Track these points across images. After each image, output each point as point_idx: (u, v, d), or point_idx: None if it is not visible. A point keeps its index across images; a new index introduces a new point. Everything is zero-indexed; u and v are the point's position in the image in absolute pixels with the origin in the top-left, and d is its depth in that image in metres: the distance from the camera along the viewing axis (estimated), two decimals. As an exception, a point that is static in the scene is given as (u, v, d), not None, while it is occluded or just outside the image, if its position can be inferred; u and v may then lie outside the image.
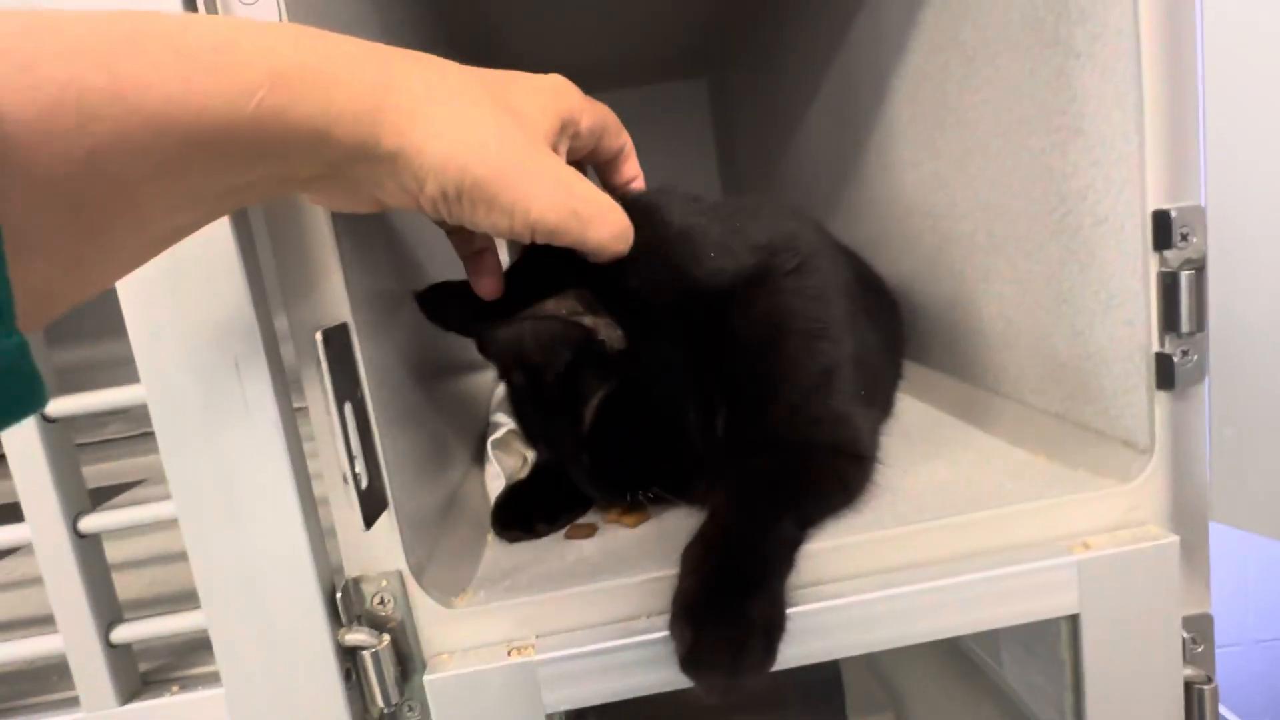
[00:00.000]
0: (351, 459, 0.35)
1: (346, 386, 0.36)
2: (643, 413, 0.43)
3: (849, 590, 0.40)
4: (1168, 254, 0.40)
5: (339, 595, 0.38)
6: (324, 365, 0.33)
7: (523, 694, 0.38)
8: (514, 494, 0.51)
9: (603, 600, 0.40)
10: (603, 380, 0.43)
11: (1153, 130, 0.39)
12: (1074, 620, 0.41)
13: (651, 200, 0.44)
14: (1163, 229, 0.39)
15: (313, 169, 0.29)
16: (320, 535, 0.38)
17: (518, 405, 0.49)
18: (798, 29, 0.88)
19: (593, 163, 0.44)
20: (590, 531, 0.48)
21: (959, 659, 0.78)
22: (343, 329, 0.36)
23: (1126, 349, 0.43)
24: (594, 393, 0.43)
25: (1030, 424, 0.52)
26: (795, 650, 0.38)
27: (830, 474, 0.44)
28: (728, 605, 0.37)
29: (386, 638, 0.38)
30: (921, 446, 0.54)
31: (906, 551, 0.41)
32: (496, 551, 0.48)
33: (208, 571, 0.36)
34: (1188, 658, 0.42)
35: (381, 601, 0.39)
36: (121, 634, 0.37)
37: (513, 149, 0.32)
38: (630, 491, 0.47)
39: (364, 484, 0.36)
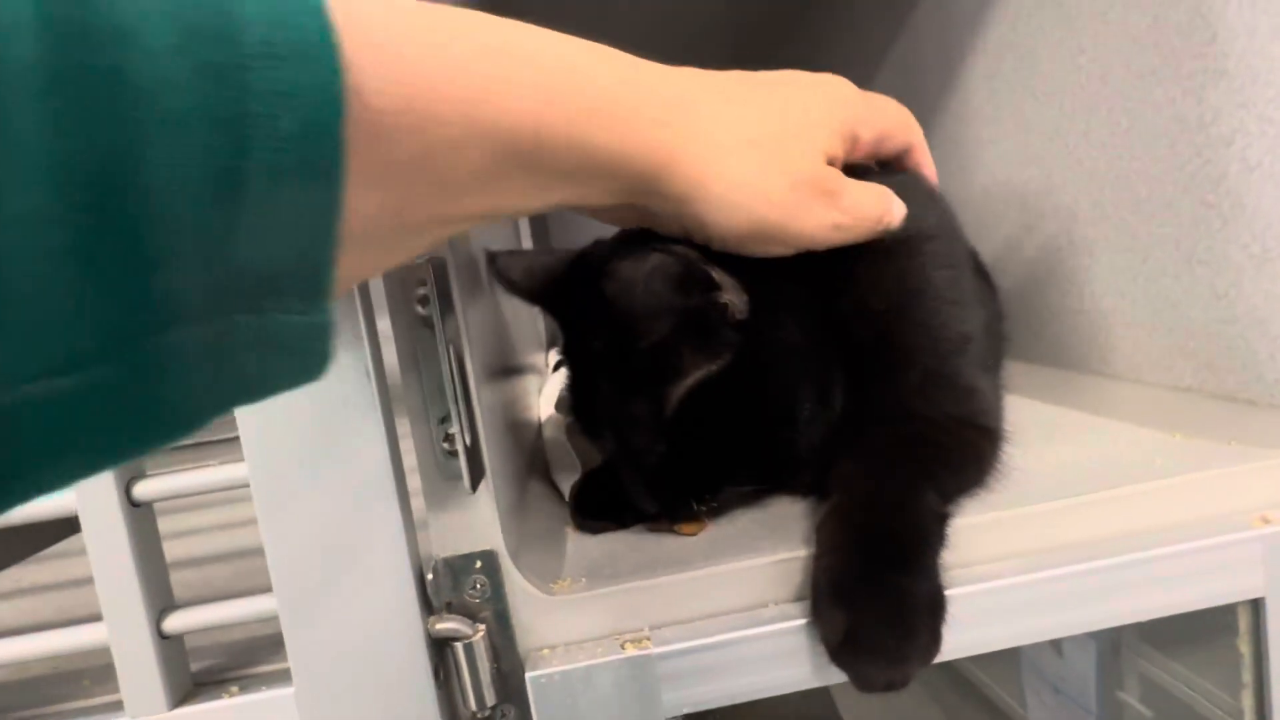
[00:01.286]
0: (458, 410, 0.30)
1: (449, 329, 0.31)
2: (751, 399, 0.38)
3: (1006, 572, 0.35)
4: (1344, 192, 0.36)
5: (428, 579, 0.33)
6: (434, 290, 0.29)
7: (639, 693, 0.33)
8: (595, 480, 0.46)
9: (723, 586, 0.35)
10: (706, 357, 0.38)
11: (1324, 57, 0.36)
12: (1257, 606, 0.36)
13: None
14: (1341, 163, 0.36)
15: (608, 198, 0.30)
16: (409, 506, 0.33)
17: (585, 382, 0.43)
18: (842, 35, 0.87)
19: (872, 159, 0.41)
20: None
21: (973, 697, 0.73)
22: (442, 265, 0.32)
23: (1289, 304, 0.39)
24: (691, 371, 0.38)
25: (1156, 402, 0.48)
26: (957, 640, 0.33)
27: (966, 447, 0.40)
28: (884, 582, 0.32)
29: (481, 628, 0.33)
30: (1033, 432, 0.49)
31: (1063, 529, 0.37)
32: (582, 542, 0.42)
33: (282, 547, 0.31)
34: (1382, 650, 0.37)
35: (474, 587, 0.34)
36: (175, 622, 0.32)
37: (797, 185, 0.33)
38: (697, 501, 0.41)
39: (468, 440, 0.31)
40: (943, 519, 0.35)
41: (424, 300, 0.32)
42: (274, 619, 0.32)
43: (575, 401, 0.43)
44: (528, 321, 0.87)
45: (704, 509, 0.41)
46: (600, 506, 0.44)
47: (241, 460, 0.31)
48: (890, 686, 0.31)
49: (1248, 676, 0.37)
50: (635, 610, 0.35)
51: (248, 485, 0.31)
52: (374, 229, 0.21)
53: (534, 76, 0.24)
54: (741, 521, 0.41)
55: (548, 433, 0.59)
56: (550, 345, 0.98)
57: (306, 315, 0.19)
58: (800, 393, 0.39)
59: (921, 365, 0.39)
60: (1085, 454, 0.44)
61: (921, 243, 0.40)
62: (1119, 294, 0.51)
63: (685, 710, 0.34)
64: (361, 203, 0.20)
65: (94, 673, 0.37)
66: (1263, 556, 0.35)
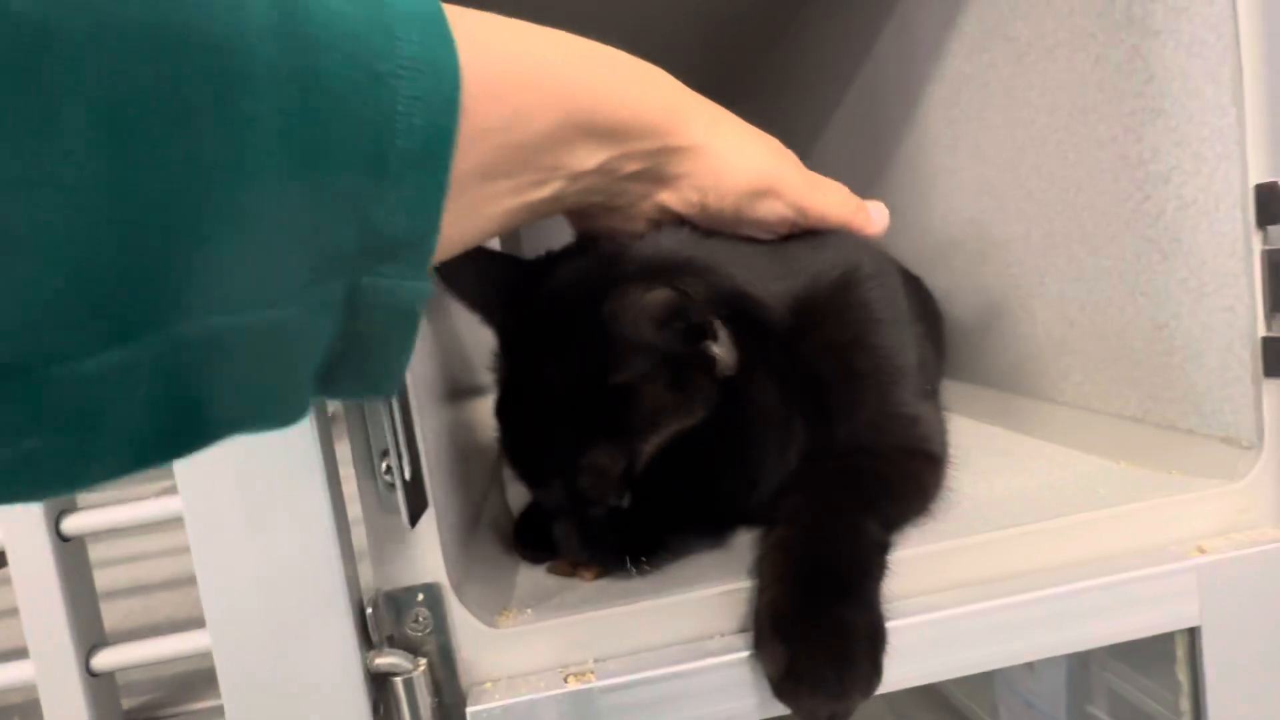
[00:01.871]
0: (396, 442, 0.30)
1: (390, 361, 0.31)
2: (719, 457, 0.37)
3: (946, 603, 0.35)
4: (1272, 230, 0.37)
5: (368, 613, 0.33)
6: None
7: (582, 728, 0.33)
8: (539, 510, 0.46)
9: (669, 617, 0.35)
10: (682, 410, 0.36)
11: (1253, 101, 0.37)
12: (1192, 635, 0.37)
13: None
14: (1270, 202, 0.37)
15: (639, 162, 0.34)
16: (350, 539, 0.32)
17: (530, 421, 0.38)
18: (807, 65, 0.88)
19: None
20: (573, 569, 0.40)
21: (947, 712, 0.73)
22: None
23: (1224, 338, 0.40)
24: (666, 423, 0.36)
25: (1102, 430, 0.49)
26: (897, 672, 0.33)
27: (909, 476, 0.40)
28: (824, 614, 0.32)
29: (423, 662, 0.33)
30: (983, 459, 0.50)
31: (1004, 559, 0.37)
32: (533, 572, 0.42)
33: (216, 581, 0.31)
34: (1315, 678, 0.37)
35: (416, 621, 0.34)
36: (105, 659, 0.31)
37: (775, 152, 0.39)
38: (634, 558, 0.38)
39: (407, 474, 0.31)
40: (884, 549, 0.36)
41: (366, 331, 0.32)
42: (209, 654, 0.31)
43: (513, 441, 0.39)
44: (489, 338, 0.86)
45: (635, 570, 0.38)
46: (543, 538, 0.43)
47: (176, 493, 0.30)
48: (834, 719, 0.32)
49: (1186, 705, 0.38)
50: (580, 642, 0.35)
51: (182, 519, 0.30)
52: (466, 185, 0.25)
53: (582, 53, 0.31)
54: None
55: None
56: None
57: (414, 280, 0.23)
58: (767, 451, 0.38)
59: (873, 396, 0.40)
60: (1031, 481, 0.45)
61: (863, 279, 0.40)
62: (1069, 323, 0.52)
63: (628, 745, 0.34)
64: (461, 160, 0.24)
65: (24, 709, 0.36)
66: (1197, 586, 0.36)
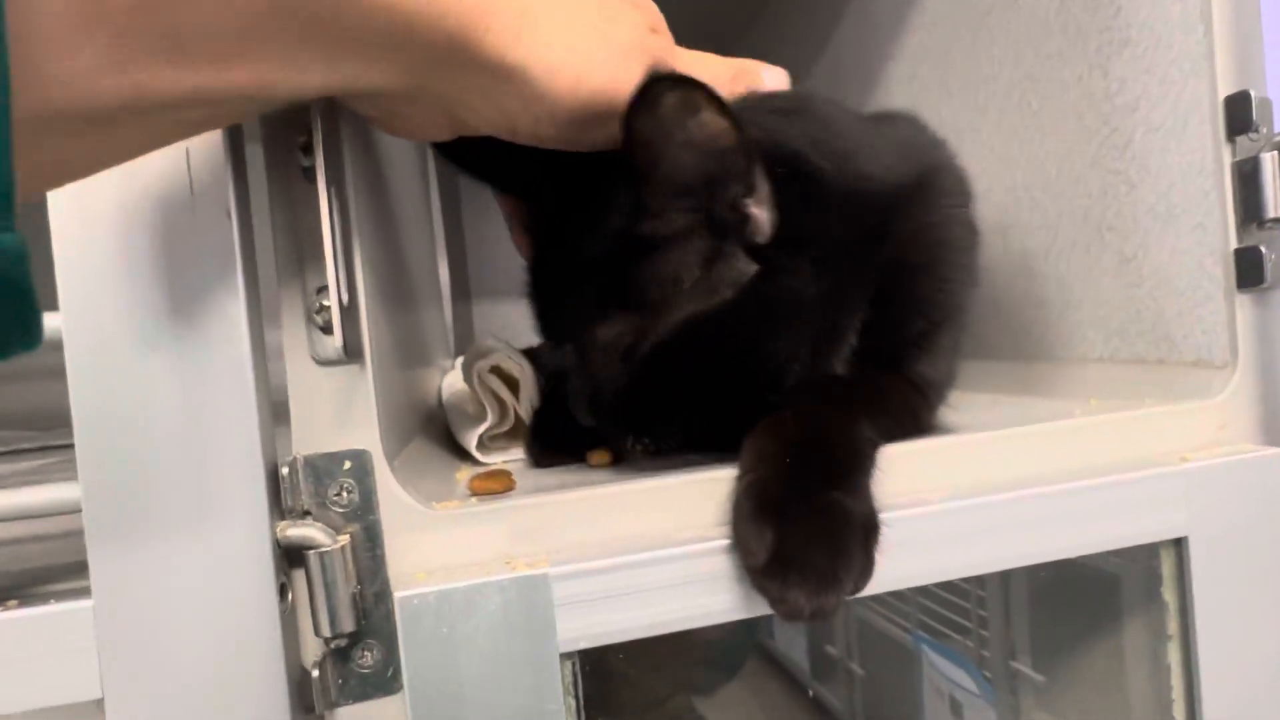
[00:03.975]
0: (336, 265, 0.26)
1: (333, 169, 0.27)
2: (740, 352, 0.33)
3: (935, 499, 0.33)
4: (1241, 141, 0.37)
5: (283, 474, 0.27)
6: (319, 131, 0.25)
7: (530, 622, 0.28)
8: (554, 410, 0.40)
9: (633, 507, 0.31)
10: (705, 288, 0.33)
11: (1220, 14, 0.37)
12: (1180, 546, 0.35)
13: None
14: (1240, 113, 0.37)
15: (389, 77, 0.24)
16: (267, 387, 0.28)
17: (558, 276, 0.35)
18: (768, 53, 0.89)
19: None
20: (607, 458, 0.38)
21: None
22: (329, 107, 0.28)
23: (1194, 257, 0.40)
24: (683, 303, 0.33)
25: (1067, 376, 0.48)
26: (886, 571, 0.30)
27: (905, 403, 0.38)
28: (817, 497, 0.29)
29: (345, 538, 0.28)
30: (955, 411, 0.48)
31: (988, 463, 0.35)
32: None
33: (95, 416, 0.25)
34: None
35: (339, 495, 0.29)
36: (-60, 511, 0.25)
37: (624, 52, 0.29)
38: (637, 436, 0.36)
39: (344, 299, 0.26)
40: (875, 445, 0.33)
41: (307, 148, 0.28)
42: (73, 536, 0.25)
43: (540, 294, 0.36)
44: (437, 320, 0.82)
45: (639, 447, 0.36)
46: (566, 439, 0.39)
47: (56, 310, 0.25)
48: (817, 614, 0.28)
49: (1173, 627, 0.36)
50: (531, 532, 0.30)
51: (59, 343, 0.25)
52: (97, 100, 0.19)
53: None
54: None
55: (446, 396, 0.54)
56: (458, 353, 0.94)
57: None
58: (797, 355, 0.34)
59: (918, 323, 0.38)
60: (1013, 418, 0.44)
61: (944, 198, 0.39)
62: (1030, 274, 0.52)
63: (584, 645, 0.29)
64: (67, 62, 0.18)
65: None
66: (1183, 493, 0.34)
